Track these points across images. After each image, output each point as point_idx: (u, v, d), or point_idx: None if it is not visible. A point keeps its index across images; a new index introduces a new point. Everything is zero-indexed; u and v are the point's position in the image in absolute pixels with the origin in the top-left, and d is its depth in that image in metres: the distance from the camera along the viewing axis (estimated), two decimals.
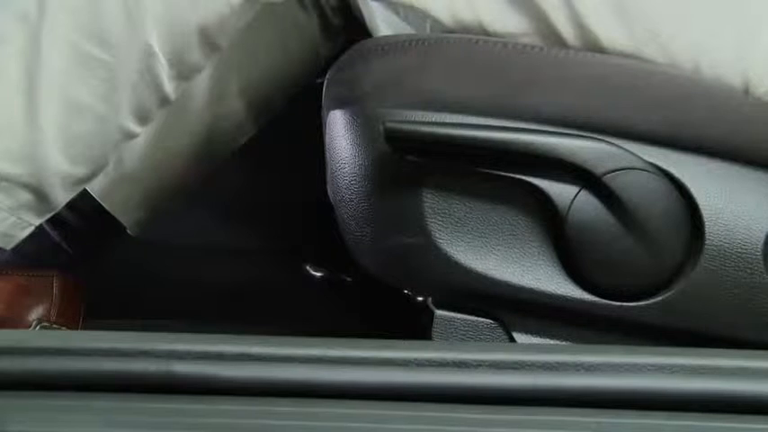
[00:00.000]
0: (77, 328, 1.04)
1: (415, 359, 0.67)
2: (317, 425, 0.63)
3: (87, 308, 1.06)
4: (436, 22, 0.85)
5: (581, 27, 0.82)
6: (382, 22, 0.95)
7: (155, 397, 0.65)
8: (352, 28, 1.05)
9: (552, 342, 0.82)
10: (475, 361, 0.67)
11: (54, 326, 1.01)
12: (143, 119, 0.91)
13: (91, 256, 1.11)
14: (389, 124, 0.78)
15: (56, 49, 0.87)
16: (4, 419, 0.61)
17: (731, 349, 0.72)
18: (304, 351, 0.67)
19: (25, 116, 0.88)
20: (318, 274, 0.93)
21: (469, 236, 0.80)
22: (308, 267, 0.93)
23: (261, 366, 0.66)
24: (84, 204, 1.09)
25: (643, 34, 0.82)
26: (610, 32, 0.82)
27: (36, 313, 1.01)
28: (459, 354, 0.67)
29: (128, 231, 1.13)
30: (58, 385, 0.66)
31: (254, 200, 1.07)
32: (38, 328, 1.00)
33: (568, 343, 0.82)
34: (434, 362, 0.67)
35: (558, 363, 0.67)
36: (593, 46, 0.83)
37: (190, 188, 1.15)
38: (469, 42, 0.82)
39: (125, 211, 1.12)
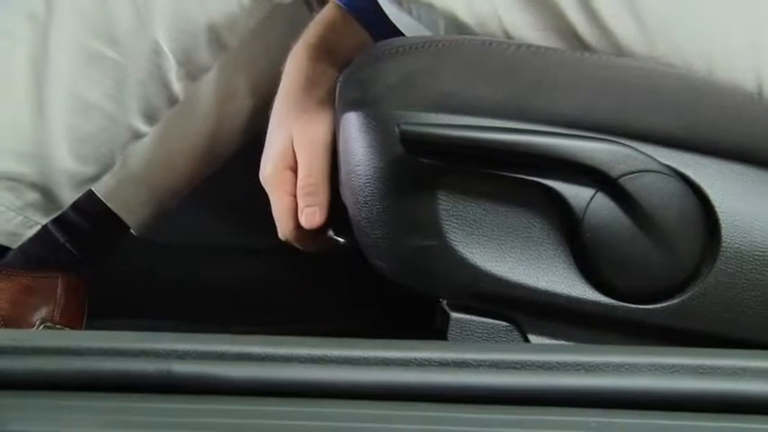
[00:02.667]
0: (80, 329, 1.04)
1: (415, 359, 0.67)
2: (317, 425, 0.63)
3: (88, 308, 1.06)
4: (450, 21, 0.85)
5: (599, 27, 0.82)
6: (394, 22, 0.95)
7: (155, 397, 0.65)
8: None
9: (567, 344, 0.82)
10: (475, 361, 0.67)
11: (57, 326, 1.02)
12: (151, 118, 0.91)
13: (95, 256, 1.11)
14: (404, 127, 0.77)
15: (64, 48, 0.87)
16: (4, 419, 0.61)
17: (731, 349, 0.72)
18: (304, 351, 0.67)
19: (33, 116, 0.88)
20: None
21: (485, 238, 0.80)
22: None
23: (261, 366, 0.66)
24: (88, 205, 1.09)
25: (657, 37, 0.82)
26: (626, 32, 0.82)
27: (40, 313, 1.01)
28: (459, 354, 0.67)
29: (132, 232, 1.13)
30: (58, 385, 0.66)
31: (255, 200, 1.07)
32: (41, 328, 1.01)
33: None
34: (434, 362, 0.67)
35: (558, 363, 0.67)
36: (609, 43, 0.83)
37: (194, 188, 1.16)
38: (483, 44, 0.82)
39: (130, 212, 1.12)
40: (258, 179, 0.97)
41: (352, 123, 0.82)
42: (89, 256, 1.10)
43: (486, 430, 0.63)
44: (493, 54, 0.82)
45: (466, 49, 0.82)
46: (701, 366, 0.67)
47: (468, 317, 0.82)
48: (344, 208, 0.87)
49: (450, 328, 0.82)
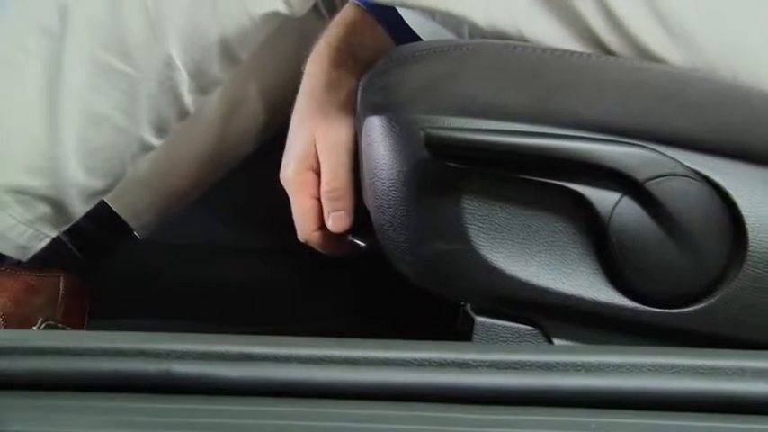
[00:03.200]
0: (82, 329, 1.04)
1: (415, 359, 0.67)
2: (317, 425, 0.63)
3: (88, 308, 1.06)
4: (473, 27, 0.85)
5: (622, 33, 0.82)
6: (417, 28, 0.95)
7: (154, 397, 0.65)
8: None
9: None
10: (475, 361, 0.67)
11: (59, 325, 1.02)
12: (161, 131, 0.91)
13: (99, 257, 1.11)
14: (429, 131, 0.77)
15: (77, 61, 0.87)
16: (4, 419, 0.61)
17: (731, 349, 0.72)
18: (304, 351, 0.67)
19: (46, 129, 0.87)
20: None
21: (510, 242, 0.80)
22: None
23: (261, 366, 0.66)
24: (93, 208, 1.09)
25: (681, 42, 0.82)
26: (650, 37, 0.82)
27: (42, 313, 1.01)
28: (459, 354, 0.67)
29: (136, 235, 1.13)
30: (58, 385, 0.66)
31: (255, 200, 1.07)
32: (43, 326, 1.01)
33: None
34: (434, 362, 0.67)
35: (558, 363, 0.67)
36: (633, 49, 0.82)
37: (200, 193, 1.16)
38: (506, 48, 0.82)
39: (134, 215, 1.12)
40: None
41: (376, 127, 0.82)
42: (92, 256, 1.10)
43: (486, 430, 0.63)
44: (517, 58, 0.81)
45: (490, 52, 0.82)
46: (700, 366, 0.67)
47: (492, 320, 0.82)
48: (366, 211, 0.87)
49: (474, 332, 0.81)
